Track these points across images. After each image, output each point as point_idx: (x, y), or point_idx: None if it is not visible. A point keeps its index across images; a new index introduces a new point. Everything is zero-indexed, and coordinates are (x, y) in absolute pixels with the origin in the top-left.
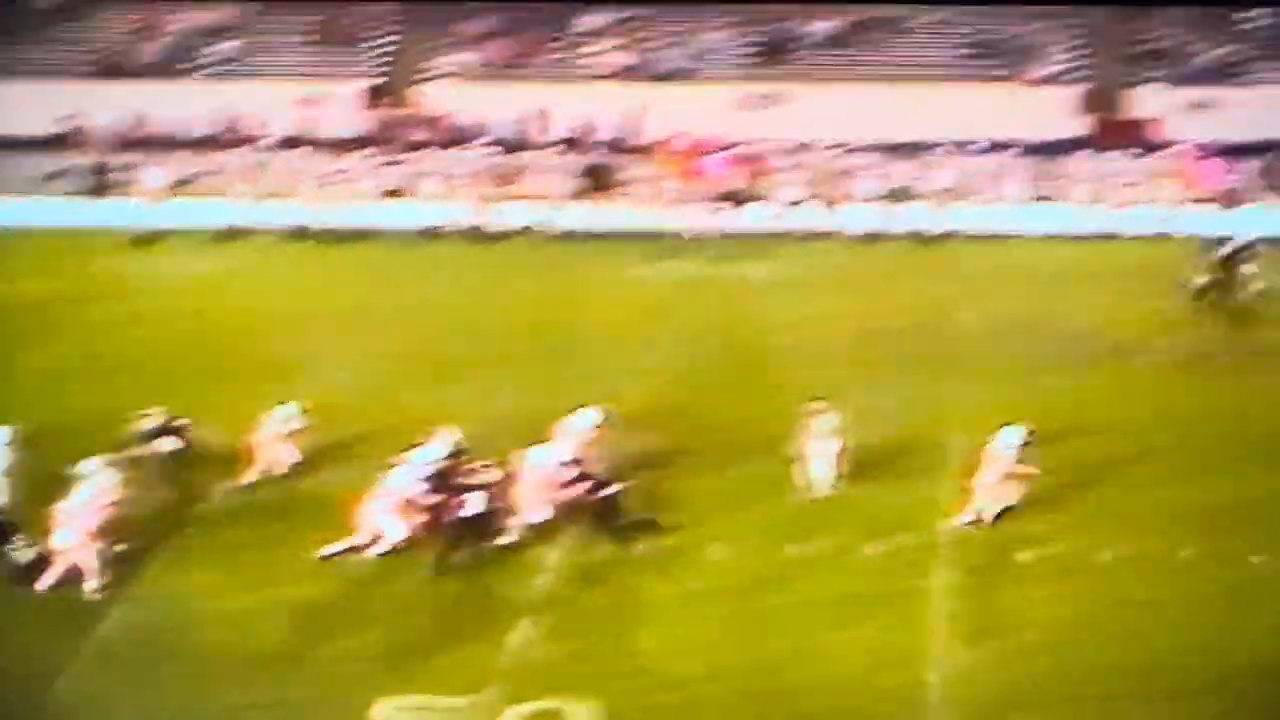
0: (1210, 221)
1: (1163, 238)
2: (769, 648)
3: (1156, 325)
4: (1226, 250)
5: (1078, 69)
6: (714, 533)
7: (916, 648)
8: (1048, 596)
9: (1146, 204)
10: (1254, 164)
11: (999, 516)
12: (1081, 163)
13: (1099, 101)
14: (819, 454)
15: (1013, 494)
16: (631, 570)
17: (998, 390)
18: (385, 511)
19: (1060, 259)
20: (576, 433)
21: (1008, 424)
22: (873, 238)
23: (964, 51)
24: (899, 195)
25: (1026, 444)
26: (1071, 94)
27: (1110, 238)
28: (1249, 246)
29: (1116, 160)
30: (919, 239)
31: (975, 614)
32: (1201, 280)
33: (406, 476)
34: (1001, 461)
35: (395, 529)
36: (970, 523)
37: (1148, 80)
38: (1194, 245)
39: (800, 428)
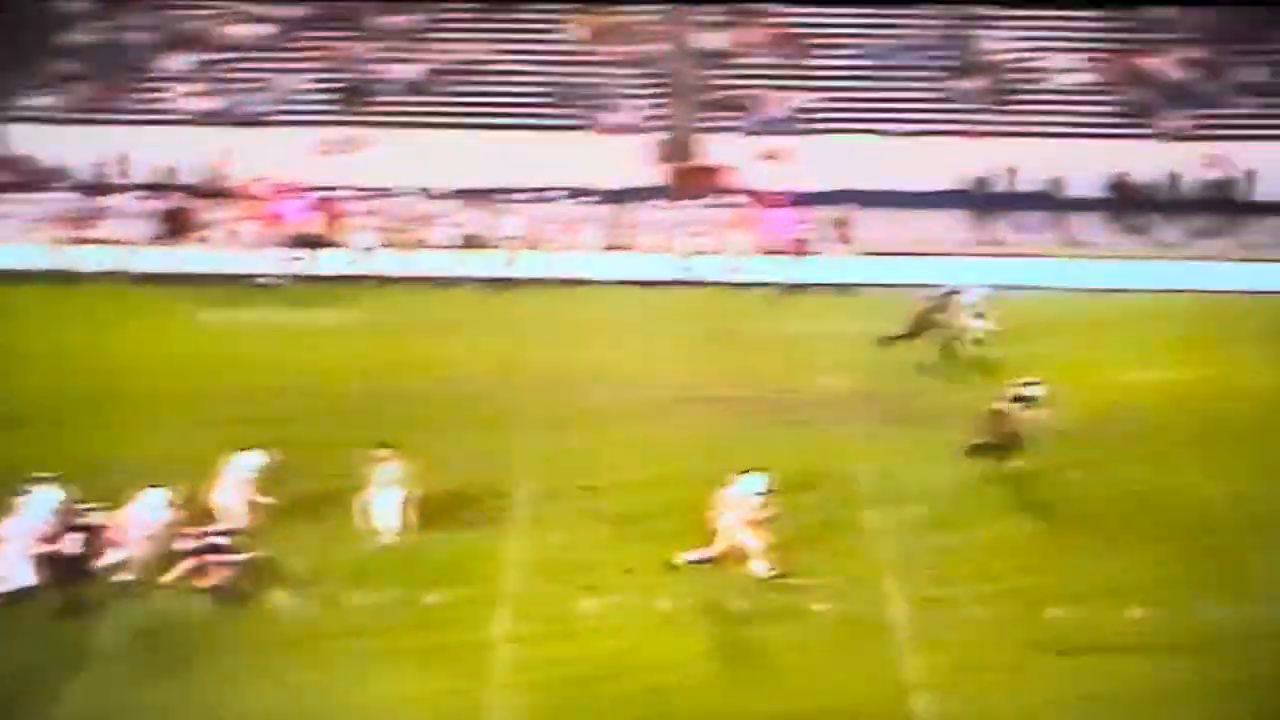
0: (781, 269)
1: (736, 286)
2: (330, 699)
3: (728, 372)
4: (928, 302)
5: (654, 118)
6: (279, 580)
7: (473, 700)
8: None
9: (716, 252)
10: (825, 213)
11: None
12: (654, 211)
13: (674, 150)
14: (383, 501)
15: (754, 541)
16: (202, 619)
17: (565, 439)
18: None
19: (633, 307)
20: (233, 478)
21: (747, 470)
22: (447, 283)
23: (542, 99)
24: (474, 242)
25: (768, 491)
26: (647, 142)
27: (681, 285)
28: (949, 296)
29: (688, 209)
30: (493, 285)
31: (537, 664)
32: (899, 330)
33: (28, 520)
34: (742, 508)
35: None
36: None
37: (723, 129)
38: (767, 292)
39: (366, 475)
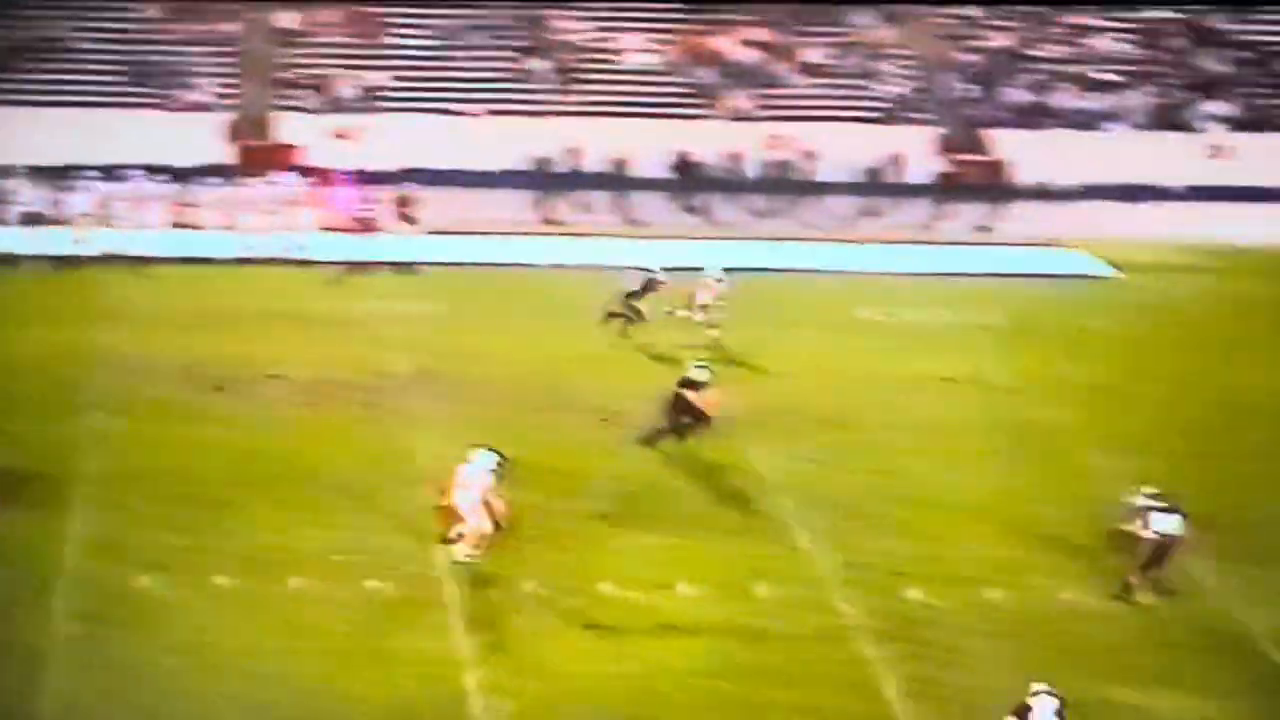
0: (345, 247)
1: (301, 264)
2: None
3: (292, 350)
4: (634, 285)
5: (227, 96)
6: None
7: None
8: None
9: (283, 230)
10: (391, 191)
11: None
12: (222, 189)
13: (245, 128)
14: None
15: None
16: None
17: (128, 423)
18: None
19: (200, 286)
20: None
21: (478, 446)
22: (10, 260)
23: (119, 74)
24: (39, 219)
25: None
26: (220, 120)
27: (248, 263)
28: (653, 280)
29: (257, 187)
30: (60, 264)
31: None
32: (616, 308)
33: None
34: (476, 485)
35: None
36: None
37: (295, 108)
38: (332, 271)
39: None
